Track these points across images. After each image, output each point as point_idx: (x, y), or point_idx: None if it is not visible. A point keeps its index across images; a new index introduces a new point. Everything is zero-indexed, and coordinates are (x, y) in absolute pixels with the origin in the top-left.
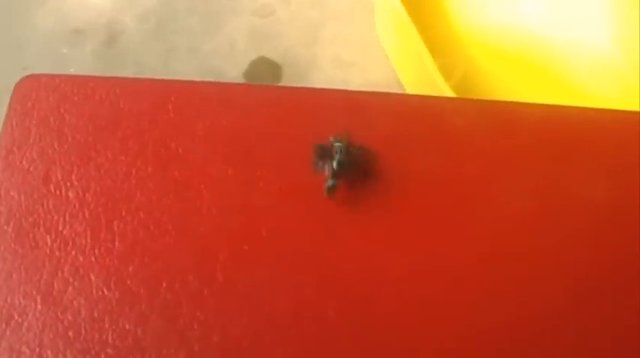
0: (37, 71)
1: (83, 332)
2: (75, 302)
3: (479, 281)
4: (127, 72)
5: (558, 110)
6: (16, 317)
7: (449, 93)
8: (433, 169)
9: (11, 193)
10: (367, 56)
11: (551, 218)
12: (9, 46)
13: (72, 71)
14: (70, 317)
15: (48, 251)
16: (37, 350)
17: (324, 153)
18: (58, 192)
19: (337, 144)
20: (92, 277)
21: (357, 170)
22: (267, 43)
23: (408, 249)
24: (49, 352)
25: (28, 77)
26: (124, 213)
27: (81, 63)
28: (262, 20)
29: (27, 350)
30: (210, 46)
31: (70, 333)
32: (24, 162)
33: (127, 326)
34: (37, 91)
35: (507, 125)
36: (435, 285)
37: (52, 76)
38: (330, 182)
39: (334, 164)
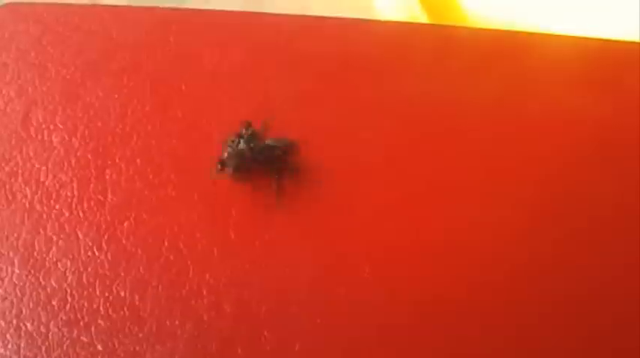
0: None
1: (70, 300)
2: (60, 264)
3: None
4: None
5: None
6: None
7: None
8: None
9: None
10: None
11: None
12: None
13: None
14: (53, 283)
15: (27, 205)
16: (14, 321)
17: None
18: (39, 137)
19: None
20: (80, 235)
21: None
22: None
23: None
24: (28, 324)
25: (5, 6)
26: (117, 160)
27: None
28: None
29: (2, 323)
30: None
31: (54, 302)
32: (0, 102)
33: (122, 294)
34: (16, 22)
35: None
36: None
37: (33, 5)
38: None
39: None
